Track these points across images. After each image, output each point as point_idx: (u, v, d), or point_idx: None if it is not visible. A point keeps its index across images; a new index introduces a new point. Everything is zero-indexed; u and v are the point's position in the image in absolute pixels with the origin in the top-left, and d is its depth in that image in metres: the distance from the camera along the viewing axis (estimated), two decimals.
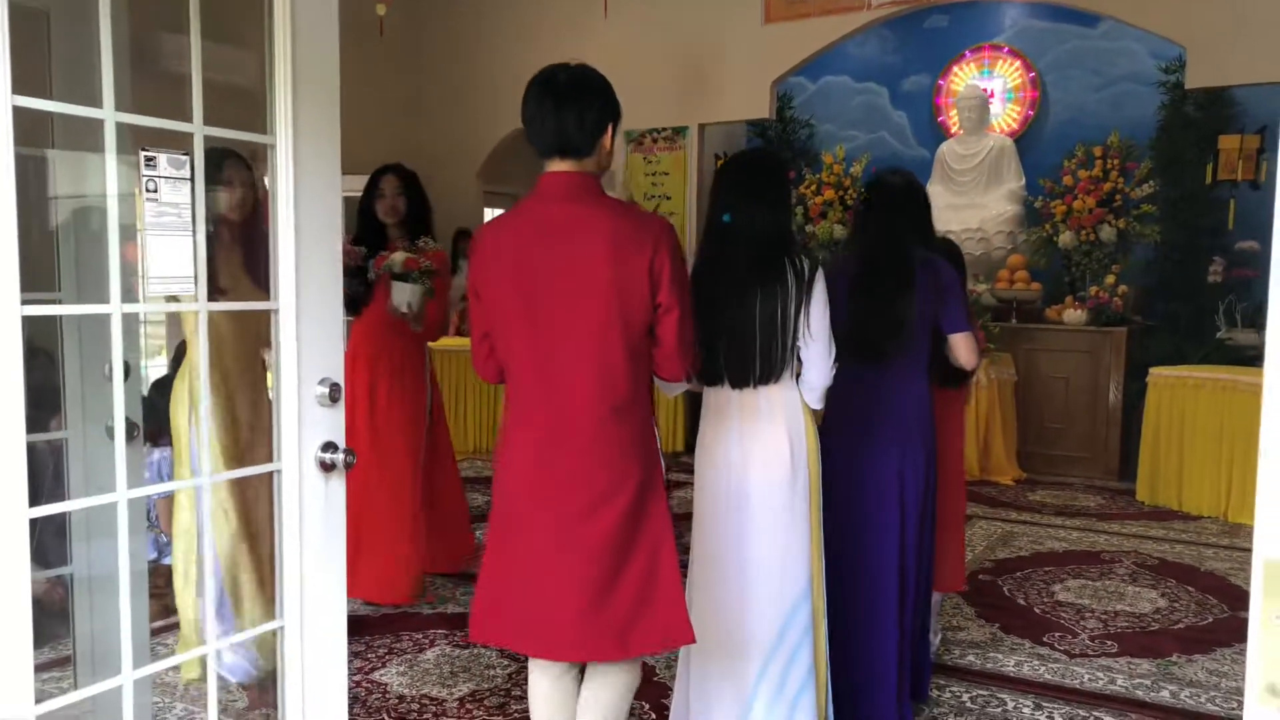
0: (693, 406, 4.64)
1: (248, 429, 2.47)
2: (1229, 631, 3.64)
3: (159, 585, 2.82)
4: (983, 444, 6.24)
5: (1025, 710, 2.98)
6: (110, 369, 1.46)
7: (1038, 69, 7.72)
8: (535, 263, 1.96)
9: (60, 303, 1.90)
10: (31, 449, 1.28)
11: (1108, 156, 6.69)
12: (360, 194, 3.77)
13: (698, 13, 7.04)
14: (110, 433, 1.49)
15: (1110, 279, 6.36)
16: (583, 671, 2.20)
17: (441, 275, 3.69)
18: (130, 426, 1.66)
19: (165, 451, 2.69)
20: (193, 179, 1.49)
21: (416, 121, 8.12)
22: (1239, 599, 3.98)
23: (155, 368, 2.70)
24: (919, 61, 8.16)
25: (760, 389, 2.36)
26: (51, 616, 2.00)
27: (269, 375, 2.46)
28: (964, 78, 7.96)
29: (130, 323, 1.95)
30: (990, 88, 7.72)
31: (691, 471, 2.50)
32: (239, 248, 2.44)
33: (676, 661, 2.57)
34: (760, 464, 2.36)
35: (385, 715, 2.90)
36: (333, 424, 1.68)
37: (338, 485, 1.70)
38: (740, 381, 2.36)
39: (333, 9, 1.62)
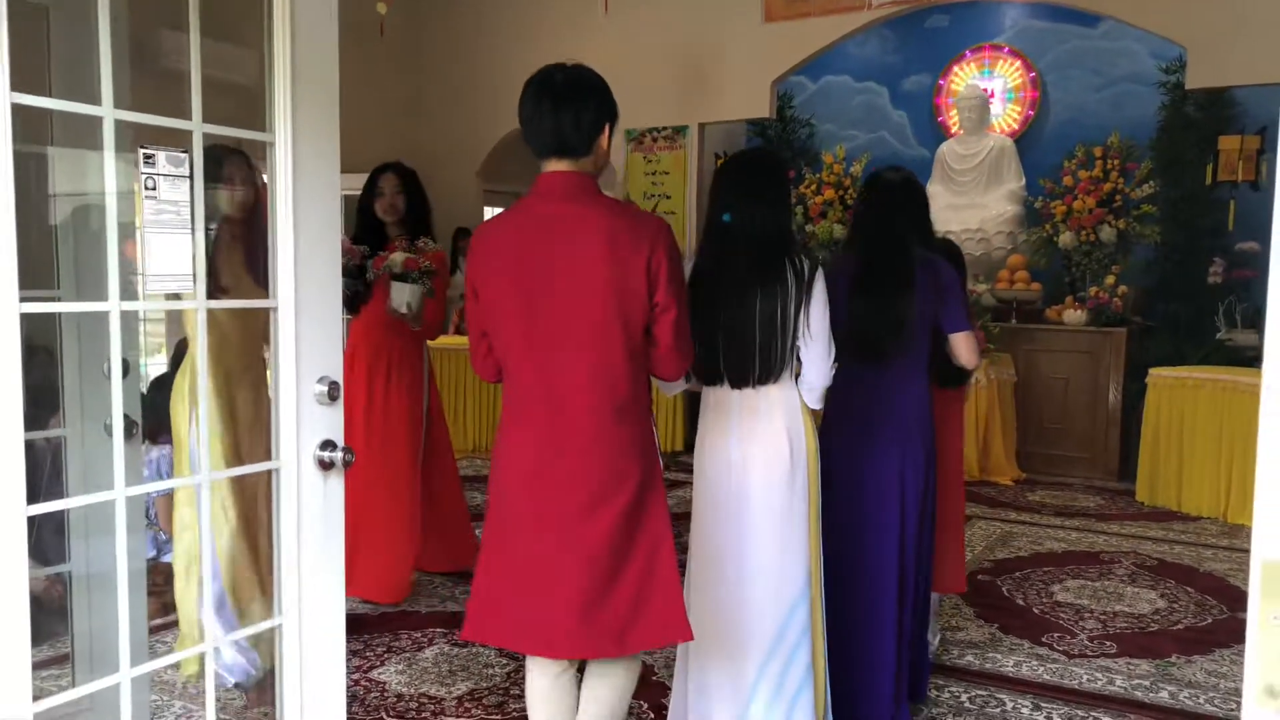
0: (692, 406, 4.65)
1: (250, 427, 2.47)
2: (1228, 632, 3.64)
3: (158, 583, 2.82)
4: (982, 444, 6.24)
5: (1024, 710, 2.98)
6: (109, 367, 1.46)
7: (1038, 69, 7.72)
8: (533, 262, 1.96)
9: (59, 300, 1.91)
10: (30, 446, 1.28)
11: (1108, 157, 6.69)
12: (359, 193, 3.77)
13: (698, 12, 7.04)
14: (109, 430, 1.48)
15: (1110, 279, 6.36)
16: (581, 670, 2.21)
17: (440, 275, 3.69)
18: (129, 424, 1.66)
19: (165, 449, 2.69)
20: (191, 177, 1.49)
21: (416, 121, 8.12)
22: (1238, 600, 3.98)
23: (155, 365, 2.70)
24: (919, 61, 8.16)
25: (760, 389, 2.36)
26: (50, 614, 2.00)
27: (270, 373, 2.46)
28: (964, 78, 7.96)
29: (129, 320, 1.94)
30: (990, 88, 7.73)
31: (690, 471, 2.50)
32: (241, 246, 2.44)
33: (675, 661, 2.57)
34: (759, 464, 2.35)
35: (384, 714, 2.90)
36: (331, 422, 1.68)
37: (336, 483, 1.70)
38: (740, 381, 2.36)
39: (333, 8, 1.63)
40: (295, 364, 1.61)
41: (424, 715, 2.90)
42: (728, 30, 6.95)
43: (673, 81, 7.13)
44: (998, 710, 2.99)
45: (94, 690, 1.46)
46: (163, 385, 2.66)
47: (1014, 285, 6.79)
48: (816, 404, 2.42)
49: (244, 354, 2.52)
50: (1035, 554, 4.69)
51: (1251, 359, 5.79)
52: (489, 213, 7.96)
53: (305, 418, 1.64)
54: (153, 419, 2.53)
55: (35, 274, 1.82)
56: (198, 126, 1.48)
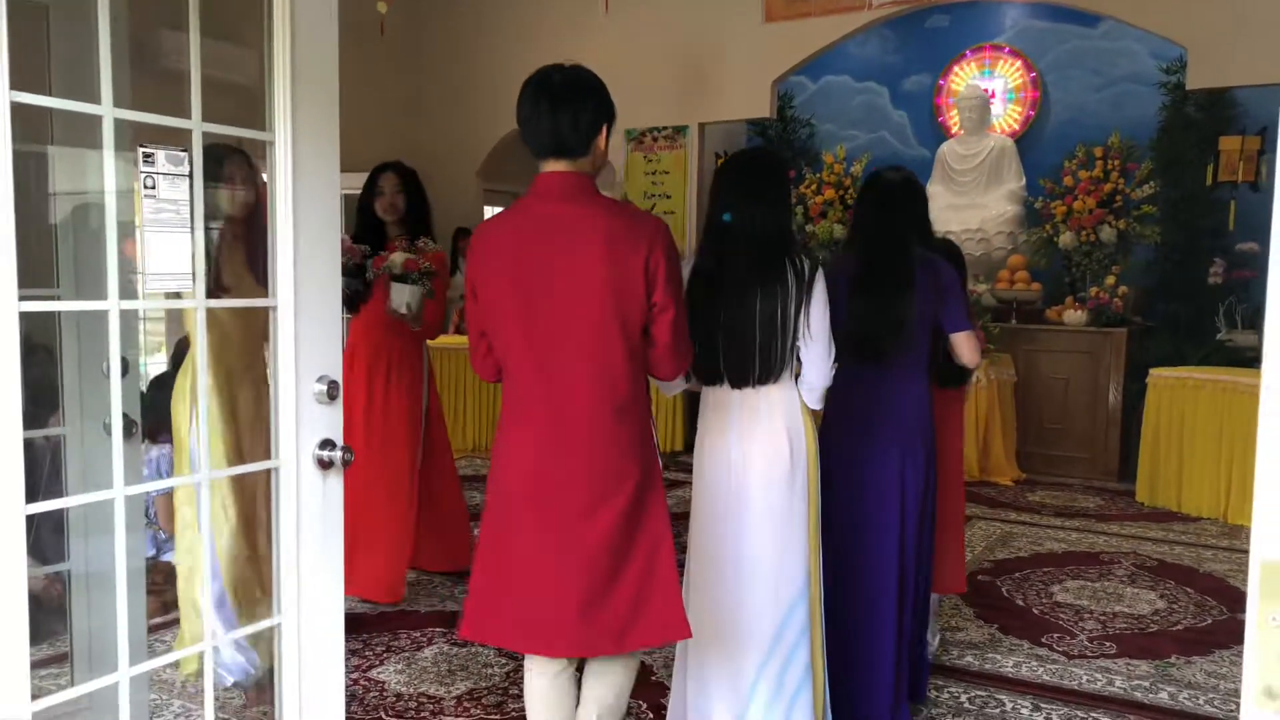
0: (691, 406, 4.64)
1: (250, 426, 2.47)
2: (1227, 633, 3.64)
3: (157, 582, 2.82)
4: (982, 444, 6.24)
5: (1023, 711, 2.98)
6: (109, 365, 1.46)
7: (1038, 69, 7.72)
8: (532, 262, 1.96)
9: (59, 299, 1.91)
10: (29, 445, 1.28)
11: (1108, 157, 6.69)
12: (359, 192, 3.77)
13: (698, 12, 7.04)
14: (108, 429, 1.49)
15: (1110, 280, 6.36)
16: (580, 670, 2.21)
17: (440, 276, 3.69)
18: (128, 423, 1.66)
19: (165, 448, 2.69)
20: (191, 176, 1.49)
21: (416, 121, 8.12)
22: (1238, 601, 3.97)
23: (155, 364, 2.70)
24: (920, 61, 8.16)
25: (760, 389, 2.36)
26: (49, 613, 2.00)
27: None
28: (964, 78, 7.96)
29: (129, 319, 1.95)
30: (991, 88, 7.72)
31: (690, 471, 2.50)
32: (242, 245, 2.44)
33: (674, 661, 2.57)
34: (759, 464, 2.35)
35: (383, 713, 2.90)
36: (331, 421, 1.68)
37: (336, 483, 1.70)
38: (740, 381, 2.36)
39: (332, 8, 1.63)
40: (295, 363, 1.61)
41: (423, 715, 2.90)
42: (728, 30, 6.95)
43: (673, 81, 7.14)
44: (997, 711, 2.99)
45: (93, 689, 1.46)
46: (163, 384, 2.66)
47: (1014, 285, 6.79)
48: (816, 404, 2.42)
49: (245, 353, 2.52)
50: (1035, 554, 4.69)
51: (1251, 359, 5.79)
52: (489, 213, 7.96)
53: (305, 417, 1.64)
54: (153, 418, 2.52)
55: (35, 273, 1.82)
56: (197, 125, 1.48)
